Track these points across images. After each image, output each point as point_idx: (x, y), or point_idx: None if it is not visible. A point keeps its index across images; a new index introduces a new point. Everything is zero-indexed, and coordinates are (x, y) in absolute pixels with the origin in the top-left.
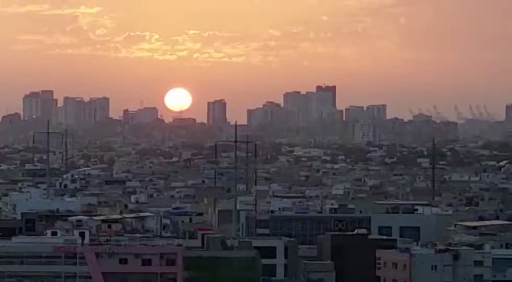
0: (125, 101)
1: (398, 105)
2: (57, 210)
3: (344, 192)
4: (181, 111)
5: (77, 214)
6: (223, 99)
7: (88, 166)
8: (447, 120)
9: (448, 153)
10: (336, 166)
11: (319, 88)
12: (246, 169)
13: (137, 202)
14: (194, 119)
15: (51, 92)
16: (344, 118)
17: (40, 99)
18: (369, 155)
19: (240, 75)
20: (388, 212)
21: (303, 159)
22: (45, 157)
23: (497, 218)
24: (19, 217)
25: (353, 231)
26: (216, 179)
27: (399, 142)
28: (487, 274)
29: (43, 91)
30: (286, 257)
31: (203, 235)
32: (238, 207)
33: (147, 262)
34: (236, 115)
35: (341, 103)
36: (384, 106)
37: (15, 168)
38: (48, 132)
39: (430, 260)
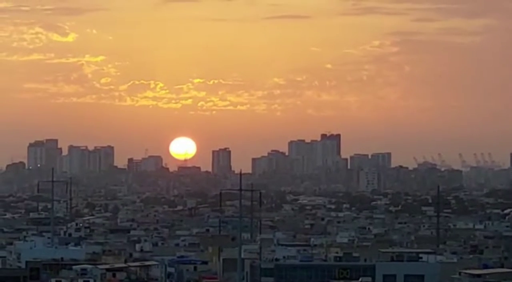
0: (129, 149)
1: (402, 153)
2: (62, 258)
3: (348, 240)
4: (185, 160)
5: (82, 262)
6: (228, 148)
7: (92, 215)
8: (452, 168)
9: (453, 201)
10: (340, 214)
11: (323, 136)
12: (251, 217)
13: (141, 250)
14: (199, 168)
15: (56, 141)
16: (349, 166)
17: (45, 148)
18: (373, 203)
19: (245, 123)
20: (392, 260)
21: (308, 207)
22: (49, 205)
23: (502, 266)
24: (23, 266)
25: (358, 279)
26: (220, 227)
27: (404, 190)
28: None
29: (47, 140)
30: None
31: None
32: (242, 255)
33: None
34: (241, 164)
35: (346, 151)
36: (388, 154)
37: (20, 216)
38: (52, 181)
39: None
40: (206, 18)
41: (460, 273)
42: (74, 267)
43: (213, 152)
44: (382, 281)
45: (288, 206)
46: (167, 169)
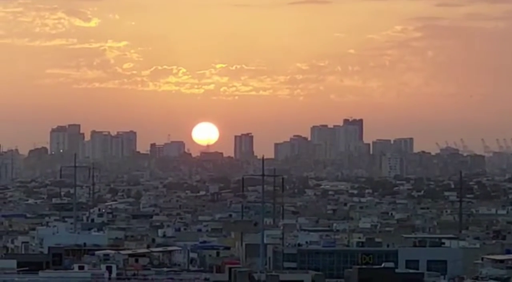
0: (152, 135)
1: (425, 139)
2: (84, 244)
3: (371, 226)
4: (208, 145)
5: (104, 248)
6: (250, 133)
7: (115, 200)
8: (474, 154)
9: (475, 186)
10: (363, 199)
11: (346, 121)
12: (273, 202)
13: (164, 236)
14: (221, 153)
15: (78, 126)
16: (371, 152)
17: (67, 133)
18: (396, 188)
19: (267, 108)
20: (415, 246)
21: (330, 192)
22: (72, 191)
23: None
24: (46, 252)
25: (380, 264)
26: (243, 212)
27: (426, 175)
28: None
29: (70, 125)
30: None
31: (230, 269)
32: (265, 241)
33: None
34: (263, 149)
35: (368, 137)
36: (411, 139)
37: (42, 202)
38: (75, 167)
39: None
40: (229, 3)
41: (482, 259)
42: (96, 252)
43: (236, 137)
44: (404, 267)
45: (310, 191)
46: (190, 154)
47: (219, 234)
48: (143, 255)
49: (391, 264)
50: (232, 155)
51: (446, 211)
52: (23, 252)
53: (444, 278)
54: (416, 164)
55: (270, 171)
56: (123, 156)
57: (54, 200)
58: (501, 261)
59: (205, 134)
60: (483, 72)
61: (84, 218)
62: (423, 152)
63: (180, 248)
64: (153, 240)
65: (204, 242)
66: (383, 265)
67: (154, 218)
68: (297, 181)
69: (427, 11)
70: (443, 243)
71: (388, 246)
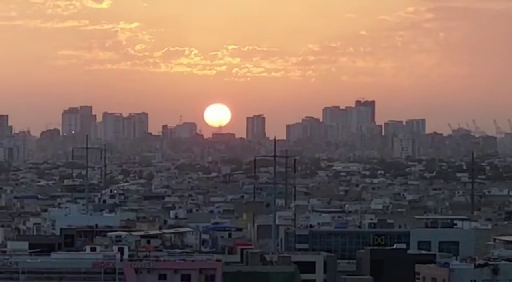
0: (164, 116)
1: (437, 120)
2: (96, 225)
3: (383, 207)
4: (220, 127)
5: (116, 229)
6: (262, 114)
7: (127, 181)
8: (486, 135)
9: (487, 167)
10: (375, 181)
11: (358, 102)
12: (285, 183)
13: (176, 217)
14: (233, 135)
15: (90, 107)
16: (383, 133)
17: (79, 115)
18: (408, 169)
19: (279, 90)
20: (427, 227)
21: (342, 173)
22: (84, 172)
23: None
24: (58, 233)
25: (392, 245)
26: (255, 194)
27: (438, 156)
28: None
29: (82, 106)
30: (325, 272)
31: (242, 250)
32: (277, 222)
33: (186, 277)
34: (275, 130)
35: (380, 118)
36: (423, 120)
37: (54, 183)
38: (87, 148)
39: (470, 275)
40: None
41: (494, 240)
42: (108, 234)
43: (248, 118)
44: (416, 248)
45: (322, 173)
46: (202, 135)
47: (231, 216)
48: (155, 236)
49: (403, 245)
50: (244, 136)
51: (458, 192)
52: (35, 234)
53: (456, 259)
54: (428, 145)
55: (282, 152)
56: (135, 137)
57: (66, 182)
58: None
59: (217, 115)
60: (495, 53)
61: (96, 199)
62: (435, 133)
63: (192, 230)
64: (165, 221)
65: (216, 223)
66: (395, 246)
67: (166, 199)
68: (309, 162)
69: None
70: (455, 224)
71: (400, 227)
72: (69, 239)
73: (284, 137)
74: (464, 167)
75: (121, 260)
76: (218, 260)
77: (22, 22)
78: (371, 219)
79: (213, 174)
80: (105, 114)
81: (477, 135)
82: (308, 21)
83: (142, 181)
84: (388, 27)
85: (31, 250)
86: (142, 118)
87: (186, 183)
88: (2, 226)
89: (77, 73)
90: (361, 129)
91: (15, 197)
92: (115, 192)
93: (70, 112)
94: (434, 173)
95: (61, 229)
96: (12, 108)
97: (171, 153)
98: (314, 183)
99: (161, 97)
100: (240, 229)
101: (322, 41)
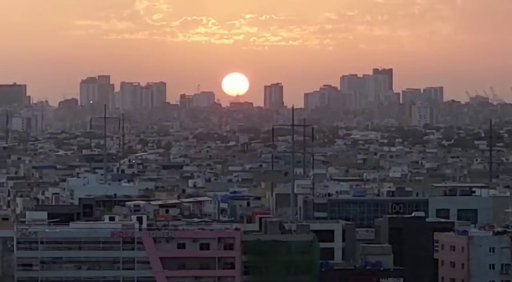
0: (182, 86)
1: (455, 88)
2: (115, 195)
3: (401, 175)
4: (238, 96)
5: (135, 199)
6: (280, 83)
7: (145, 151)
8: (504, 102)
9: (506, 135)
10: (393, 149)
11: (375, 71)
12: (304, 152)
13: (194, 186)
14: (251, 103)
15: (108, 77)
16: (401, 101)
17: (97, 85)
18: (426, 137)
19: (297, 58)
20: (445, 195)
21: (360, 142)
22: (102, 142)
23: None
24: (76, 203)
25: (411, 213)
26: (273, 162)
27: (456, 124)
28: None
29: (100, 76)
30: (343, 240)
31: (260, 219)
32: (295, 191)
33: (205, 246)
34: (293, 99)
35: (398, 86)
36: (441, 88)
37: (73, 153)
38: (105, 118)
39: (488, 242)
40: None
41: None
42: (127, 203)
43: (265, 87)
44: (435, 216)
45: (340, 141)
46: (220, 104)
47: (249, 184)
48: (173, 205)
49: (422, 213)
50: (262, 105)
51: (476, 160)
52: (53, 204)
53: (475, 227)
54: (446, 113)
55: (300, 121)
56: (153, 106)
57: (84, 151)
58: None
59: (235, 84)
60: None
61: (115, 169)
62: (453, 100)
63: (211, 199)
64: (184, 190)
65: (235, 192)
66: (413, 214)
67: (184, 168)
68: (327, 130)
69: None
70: (474, 192)
71: (418, 195)
72: (88, 209)
73: (302, 106)
74: (482, 135)
75: (140, 229)
76: (236, 229)
77: None
78: (389, 187)
79: (231, 143)
80: (123, 84)
81: (495, 103)
82: None
83: (160, 150)
84: None
85: (50, 220)
86: (160, 87)
87: (204, 152)
88: (21, 196)
89: (94, 43)
90: (379, 98)
91: (33, 167)
92: (133, 161)
93: (88, 82)
94: (452, 141)
95: (79, 199)
96: (30, 78)
97: (189, 122)
98: (332, 151)
99: (179, 67)
100: (258, 198)
101: (340, 9)
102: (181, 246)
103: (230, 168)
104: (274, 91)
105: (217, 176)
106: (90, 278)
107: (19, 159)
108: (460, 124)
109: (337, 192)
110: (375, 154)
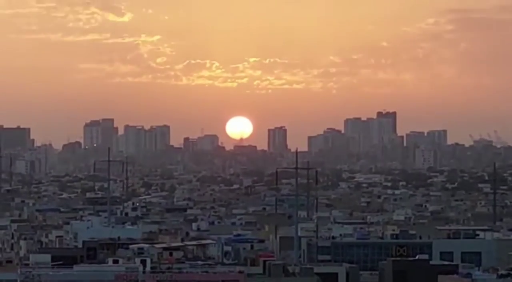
0: (185, 129)
1: (458, 131)
2: (118, 238)
3: (405, 218)
4: (242, 139)
5: (138, 242)
6: (284, 126)
7: (149, 194)
8: (508, 145)
9: (509, 178)
10: (397, 192)
11: (379, 114)
12: (307, 195)
13: (198, 229)
14: (255, 147)
15: (112, 120)
16: (405, 144)
17: (101, 128)
18: (430, 180)
19: (301, 102)
20: (449, 237)
21: (364, 185)
22: (106, 185)
23: None
24: (80, 246)
25: (415, 256)
26: (277, 205)
27: (460, 167)
28: None
29: (103, 119)
30: None
31: (264, 261)
32: (299, 234)
33: None
34: (297, 142)
35: (402, 129)
36: (445, 131)
37: (76, 196)
38: (109, 161)
39: None
40: None
41: None
42: (130, 246)
43: (269, 130)
44: (439, 259)
45: (344, 184)
46: (223, 147)
47: (253, 227)
48: (177, 248)
49: (426, 256)
50: (266, 148)
51: (480, 203)
52: (57, 246)
53: (479, 270)
54: (450, 156)
55: (304, 164)
56: (157, 149)
57: (88, 194)
58: None
59: (239, 127)
60: None
61: (118, 212)
62: (457, 143)
63: (214, 242)
64: (187, 233)
65: (238, 235)
66: (417, 257)
67: (188, 211)
68: (330, 173)
69: (460, 3)
70: (477, 235)
71: (421, 238)
72: (92, 252)
73: (306, 149)
74: (486, 178)
75: (144, 272)
76: (240, 272)
77: (43, 35)
78: (393, 230)
79: (235, 186)
80: (126, 127)
81: (498, 146)
82: (329, 33)
83: (164, 193)
84: (409, 39)
85: (53, 263)
86: (163, 131)
87: (208, 195)
88: (25, 238)
89: (98, 86)
90: (383, 141)
91: (37, 210)
92: (137, 204)
93: (91, 125)
94: (456, 184)
95: (83, 241)
96: (34, 122)
97: (192, 165)
98: (336, 194)
99: (183, 110)
100: (262, 241)
101: (343, 53)
102: None
103: (234, 211)
104: (278, 134)
105: (221, 219)
106: None
107: (22, 201)
108: (464, 167)
109: (340, 235)
110: (379, 196)
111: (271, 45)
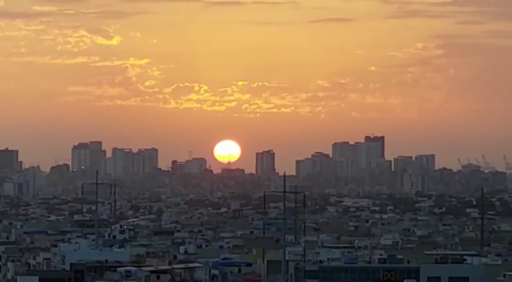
0: (173, 152)
1: (446, 156)
2: (106, 260)
3: (393, 242)
4: (229, 162)
5: (126, 264)
6: (272, 150)
7: (136, 217)
8: (496, 170)
9: (497, 203)
10: (385, 216)
11: (367, 138)
12: (295, 219)
13: (186, 252)
14: (242, 170)
15: (100, 143)
16: (392, 169)
17: (89, 150)
18: (418, 205)
19: (289, 125)
20: (437, 262)
21: (352, 209)
22: (93, 207)
23: None
24: (68, 268)
25: (402, 281)
26: (265, 229)
27: (448, 192)
28: None
29: (91, 142)
30: None
31: None
32: (287, 257)
33: None
34: (285, 166)
35: (390, 153)
36: (432, 156)
37: (64, 218)
38: (96, 183)
39: None
40: (250, 21)
41: (504, 275)
42: (118, 269)
43: (257, 154)
44: None
45: (332, 208)
46: (211, 171)
47: (241, 251)
48: (164, 271)
49: (413, 281)
50: (254, 171)
51: (468, 228)
52: (45, 269)
53: None
54: (438, 181)
55: (292, 188)
56: (145, 172)
57: (76, 217)
58: None
59: (227, 151)
60: (504, 89)
61: (106, 234)
62: (445, 168)
63: (202, 265)
64: (175, 256)
65: (226, 258)
66: (405, 281)
67: (176, 234)
68: (318, 197)
69: (448, 29)
70: (465, 260)
71: (409, 262)
72: (79, 274)
73: (294, 173)
74: (474, 203)
75: None
76: None
77: (32, 58)
78: (381, 255)
79: (223, 209)
80: (114, 150)
81: (486, 171)
82: (317, 57)
83: (151, 216)
84: (398, 63)
85: None
86: (151, 154)
87: (195, 218)
88: (12, 261)
89: (86, 109)
90: (371, 165)
91: (25, 232)
92: (125, 227)
93: (79, 148)
94: (444, 209)
95: (71, 264)
96: (22, 144)
97: (180, 188)
98: (323, 218)
99: (171, 133)
100: (249, 264)
101: (332, 77)
102: None
103: (222, 234)
104: (266, 158)
105: (208, 242)
106: None
107: (10, 224)
108: (451, 192)
109: (328, 259)
110: (367, 221)
111: (259, 69)
